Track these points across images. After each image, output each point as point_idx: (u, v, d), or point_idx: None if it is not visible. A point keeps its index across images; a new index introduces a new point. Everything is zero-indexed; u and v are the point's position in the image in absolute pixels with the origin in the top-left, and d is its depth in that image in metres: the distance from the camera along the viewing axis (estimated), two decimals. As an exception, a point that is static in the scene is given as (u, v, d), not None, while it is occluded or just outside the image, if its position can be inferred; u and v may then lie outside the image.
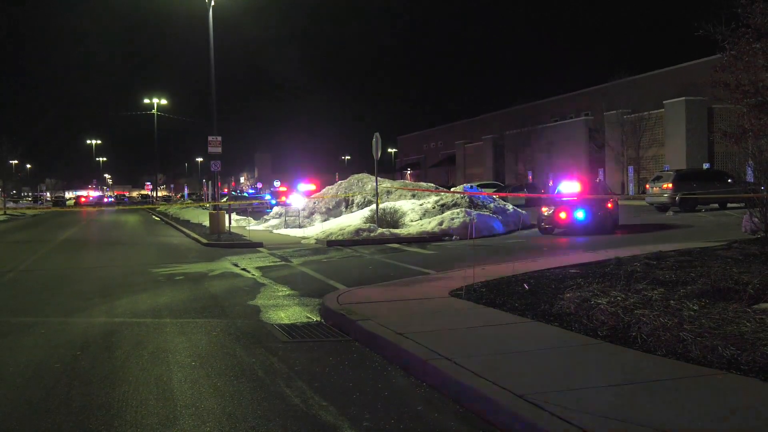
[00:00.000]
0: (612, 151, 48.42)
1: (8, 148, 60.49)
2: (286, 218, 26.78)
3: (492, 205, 23.46)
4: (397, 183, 29.47)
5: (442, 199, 23.41)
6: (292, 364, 6.35)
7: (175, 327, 8.24)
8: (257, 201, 42.66)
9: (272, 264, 14.76)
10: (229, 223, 23.43)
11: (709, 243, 13.09)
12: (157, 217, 41.75)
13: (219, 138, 23.97)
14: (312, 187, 32.44)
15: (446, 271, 11.97)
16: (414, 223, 21.33)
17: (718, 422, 4.15)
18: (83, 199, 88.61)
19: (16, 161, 79.42)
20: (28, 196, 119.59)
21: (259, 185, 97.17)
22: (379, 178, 23.36)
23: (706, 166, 39.34)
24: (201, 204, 43.82)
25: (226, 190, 66.02)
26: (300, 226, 25.21)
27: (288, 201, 28.80)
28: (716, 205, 28.02)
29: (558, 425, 4.17)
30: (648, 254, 11.25)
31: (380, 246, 17.89)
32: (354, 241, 18.64)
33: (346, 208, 26.79)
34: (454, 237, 19.26)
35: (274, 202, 39.78)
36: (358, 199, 26.78)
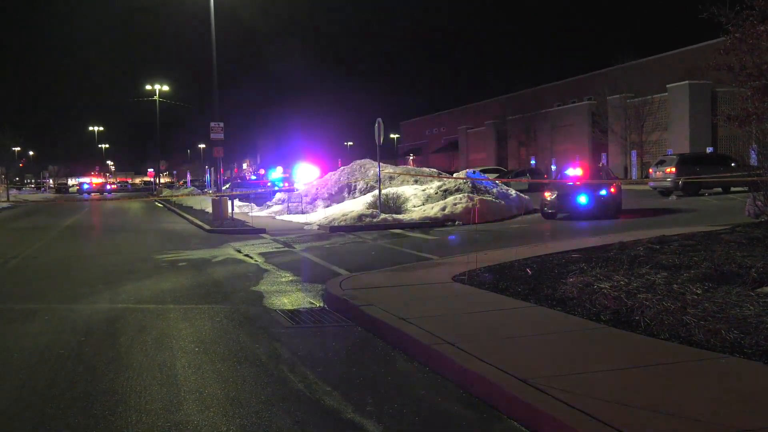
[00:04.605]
0: (615, 135, 48.23)
1: (11, 135, 60.48)
2: (289, 204, 26.80)
3: (495, 190, 23.41)
4: (399, 168, 29.46)
5: (444, 184, 23.36)
6: (295, 350, 6.37)
7: (179, 313, 8.26)
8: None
9: (275, 250, 14.78)
10: (232, 209, 23.45)
11: (713, 227, 13.05)
12: (160, 203, 41.79)
13: (221, 124, 23.92)
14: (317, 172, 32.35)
15: (449, 256, 11.97)
16: (416, 208, 21.31)
17: (722, 406, 4.14)
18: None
19: (18, 148, 79.47)
20: (31, 183, 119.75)
21: (261, 171, 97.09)
22: (381, 164, 23.32)
23: (709, 149, 39.19)
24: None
25: (229, 176, 66.04)
26: (303, 212, 25.22)
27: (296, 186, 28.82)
28: (719, 189, 27.95)
29: (561, 409, 4.18)
30: (651, 238, 11.23)
31: (383, 231, 17.88)
32: (357, 226, 18.64)
33: (349, 193, 26.77)
34: (456, 222, 19.25)
35: (280, 185, 39.79)
36: (360, 184, 26.76)
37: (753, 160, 16.57)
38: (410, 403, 4.83)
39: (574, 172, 20.68)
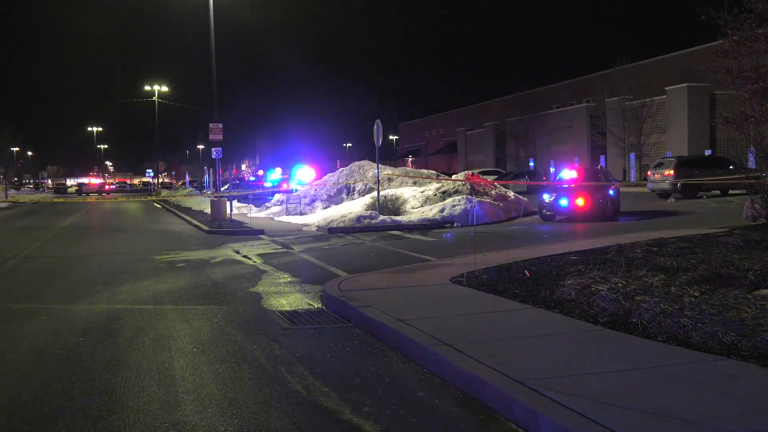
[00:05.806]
0: (614, 137, 48.27)
1: (10, 135, 60.39)
2: (288, 205, 26.79)
3: (493, 192, 23.43)
4: (398, 170, 29.43)
5: (443, 186, 23.38)
6: (293, 351, 6.37)
7: (177, 314, 8.26)
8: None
9: (273, 251, 14.78)
10: (231, 210, 23.44)
11: (711, 229, 13.08)
12: (158, 204, 41.77)
13: (220, 125, 23.92)
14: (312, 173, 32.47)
15: (447, 258, 11.98)
16: (415, 210, 21.32)
17: (717, 408, 4.15)
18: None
19: (17, 148, 79.35)
20: (29, 183, 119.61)
21: (260, 172, 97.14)
22: (380, 165, 23.33)
23: (707, 152, 39.25)
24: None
25: (228, 176, 65.91)
26: (301, 213, 25.22)
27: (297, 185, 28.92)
28: (718, 192, 27.99)
29: (557, 410, 4.19)
30: (649, 241, 11.25)
31: (381, 233, 17.89)
32: (355, 228, 18.65)
33: (348, 195, 26.78)
34: (455, 224, 19.26)
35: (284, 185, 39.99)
36: (359, 186, 26.76)
37: (751, 162, 16.62)
38: (408, 404, 4.84)
39: (573, 174, 20.70)
